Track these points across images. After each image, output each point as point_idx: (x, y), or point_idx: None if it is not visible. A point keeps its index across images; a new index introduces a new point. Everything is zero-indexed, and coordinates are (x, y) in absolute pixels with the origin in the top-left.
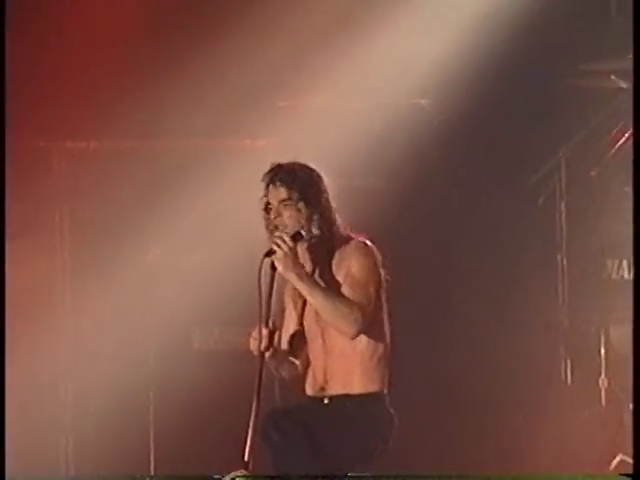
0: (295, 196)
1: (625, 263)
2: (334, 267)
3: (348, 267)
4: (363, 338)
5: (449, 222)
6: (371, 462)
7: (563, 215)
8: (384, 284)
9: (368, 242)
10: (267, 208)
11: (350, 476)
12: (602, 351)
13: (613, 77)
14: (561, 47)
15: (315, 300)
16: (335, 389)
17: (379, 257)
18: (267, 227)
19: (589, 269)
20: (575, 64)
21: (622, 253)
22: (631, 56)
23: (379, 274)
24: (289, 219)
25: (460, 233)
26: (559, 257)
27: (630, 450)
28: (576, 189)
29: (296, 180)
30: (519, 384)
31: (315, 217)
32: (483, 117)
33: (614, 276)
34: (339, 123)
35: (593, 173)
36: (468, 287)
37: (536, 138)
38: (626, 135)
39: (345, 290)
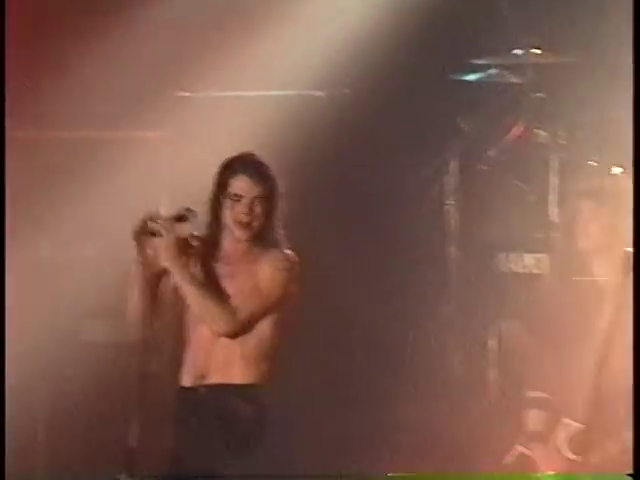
0: (272, 193)
1: (514, 256)
2: (246, 267)
3: (257, 272)
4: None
5: (340, 217)
6: (243, 456)
7: (454, 208)
8: (287, 298)
9: (289, 254)
10: (233, 198)
11: (348, 476)
12: (492, 344)
13: (504, 72)
14: (452, 42)
15: (187, 293)
16: (214, 378)
17: (294, 271)
18: (217, 216)
19: (480, 262)
20: (466, 59)
21: (512, 246)
22: (518, 51)
23: (283, 289)
24: (258, 216)
25: (352, 228)
26: (451, 250)
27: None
28: (467, 183)
29: (270, 176)
30: (410, 376)
31: (277, 216)
32: (375, 111)
33: (504, 269)
34: (238, 114)
35: (484, 167)
36: (360, 281)
37: (428, 132)
38: (515, 129)
39: (241, 293)
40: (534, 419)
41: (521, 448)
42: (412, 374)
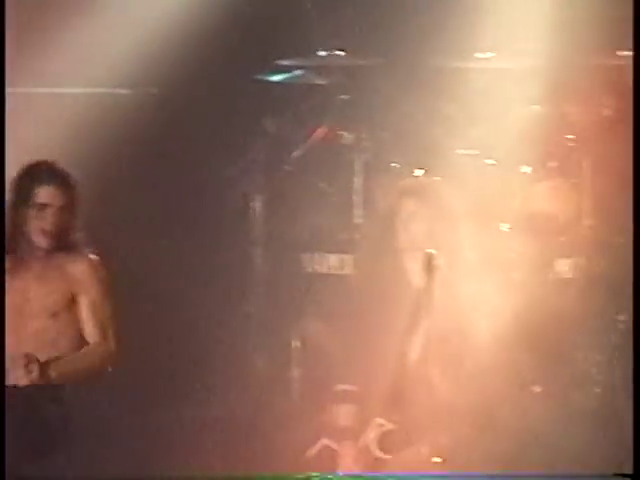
0: (75, 201)
1: (319, 257)
2: (50, 273)
3: (61, 278)
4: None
5: (147, 217)
6: (49, 457)
7: (259, 209)
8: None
9: (93, 258)
10: (38, 207)
11: (348, 476)
12: (296, 343)
13: (309, 73)
14: (257, 42)
15: None
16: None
17: (97, 275)
18: (17, 224)
19: (285, 262)
20: (271, 60)
21: (317, 247)
22: (323, 53)
23: (87, 293)
24: (63, 224)
25: (159, 228)
26: (255, 250)
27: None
28: (272, 183)
29: (73, 184)
30: (216, 375)
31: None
32: (181, 110)
33: (309, 270)
34: (41, 112)
35: (288, 168)
36: (166, 281)
37: (233, 132)
38: (319, 131)
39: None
40: (343, 414)
41: (326, 441)
42: (217, 373)
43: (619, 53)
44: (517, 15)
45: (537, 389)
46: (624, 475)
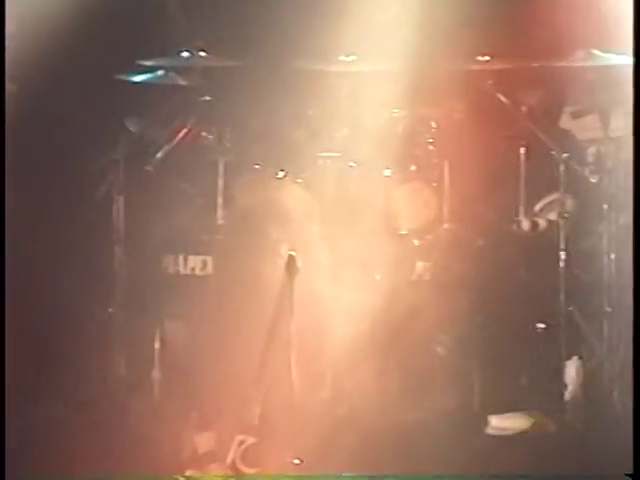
0: None
1: (181, 258)
2: None
3: None
4: None
5: (12, 215)
6: None
7: (121, 209)
8: None
9: None
10: None
11: (348, 476)
12: (156, 345)
13: (172, 74)
14: (119, 42)
15: None
16: None
17: None
18: None
19: (146, 264)
20: (133, 60)
21: (178, 249)
22: (186, 54)
23: None
24: None
25: (22, 228)
26: (117, 251)
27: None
28: (134, 184)
29: None
30: (70, 378)
31: None
32: (44, 108)
33: (170, 271)
34: None
35: (149, 168)
36: (30, 283)
37: (95, 132)
38: (182, 132)
39: None
40: (204, 441)
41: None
42: (73, 376)
43: (479, 58)
44: (380, 18)
45: (395, 387)
46: (624, 475)
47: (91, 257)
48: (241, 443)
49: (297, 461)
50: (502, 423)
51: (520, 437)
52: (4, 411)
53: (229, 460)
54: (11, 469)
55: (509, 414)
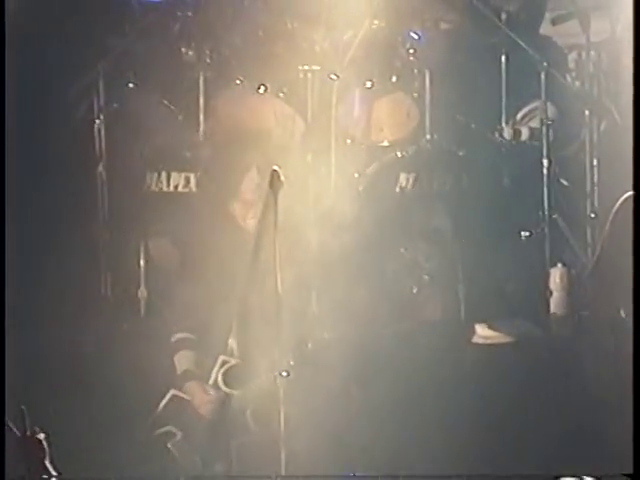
0: None
1: (164, 176)
2: None
3: None
4: None
5: None
6: None
7: (102, 128)
8: None
9: None
10: None
11: (349, 476)
12: (141, 263)
13: None
14: None
15: None
16: None
17: None
18: None
19: (129, 182)
20: None
21: (161, 166)
22: None
23: None
24: None
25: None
26: (99, 169)
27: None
28: (115, 102)
29: None
30: (61, 298)
31: None
32: (26, 30)
33: (153, 188)
34: None
35: (131, 85)
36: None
37: (76, 50)
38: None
39: None
40: (182, 360)
41: (173, 391)
42: (58, 295)
43: None
44: None
45: (380, 300)
46: (624, 475)
47: (73, 177)
48: (224, 363)
49: (285, 374)
50: (488, 332)
51: (506, 345)
52: (4, 410)
53: (211, 380)
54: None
55: (495, 322)
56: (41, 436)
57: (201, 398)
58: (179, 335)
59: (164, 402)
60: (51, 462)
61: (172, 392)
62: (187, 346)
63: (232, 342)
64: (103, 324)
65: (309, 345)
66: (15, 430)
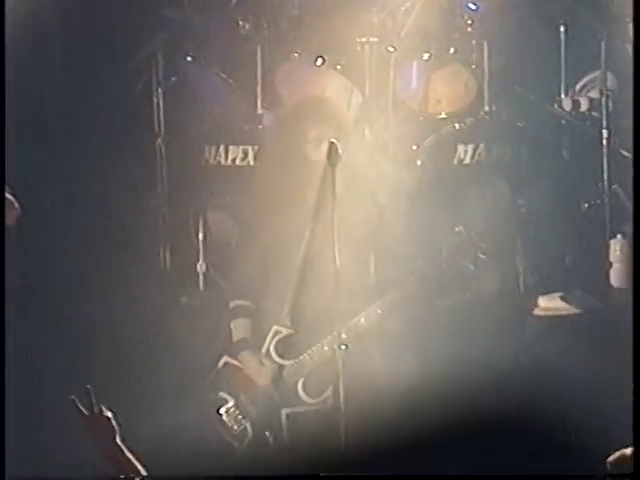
0: None
1: (222, 149)
2: None
3: None
4: None
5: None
6: None
7: (161, 100)
8: None
9: None
10: None
11: (348, 476)
12: (200, 236)
13: None
14: None
15: None
16: None
17: None
18: None
19: (188, 155)
20: None
21: (219, 140)
22: None
23: None
24: None
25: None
26: (158, 143)
27: None
28: (173, 75)
29: None
30: (120, 272)
31: None
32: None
33: (212, 162)
34: None
35: (189, 59)
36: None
37: (135, 23)
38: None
39: None
40: (239, 328)
41: (227, 358)
42: (120, 269)
43: None
44: None
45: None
46: (624, 475)
47: (133, 151)
48: (276, 332)
49: (344, 347)
50: (549, 303)
51: (567, 317)
52: (4, 411)
53: (264, 350)
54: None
55: (555, 294)
56: (109, 414)
57: (255, 367)
58: (237, 302)
59: (218, 367)
60: (122, 440)
61: (225, 359)
62: (244, 314)
63: (286, 313)
64: (162, 296)
65: (362, 320)
66: (82, 409)
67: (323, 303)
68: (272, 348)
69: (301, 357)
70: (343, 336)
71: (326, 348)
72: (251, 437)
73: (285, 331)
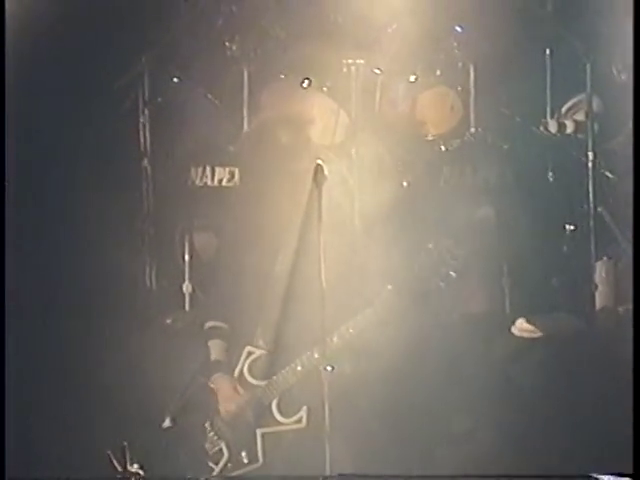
0: None
1: (208, 170)
2: None
3: None
4: None
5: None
6: None
7: (147, 121)
8: None
9: None
10: None
11: (348, 475)
12: (186, 257)
13: None
14: None
15: None
16: None
17: None
18: None
19: (174, 176)
20: None
21: (205, 160)
22: None
23: None
24: None
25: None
26: (144, 164)
27: None
28: (160, 96)
29: None
30: (107, 290)
31: None
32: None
33: (198, 183)
34: None
35: (175, 79)
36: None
37: (121, 43)
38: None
39: None
40: (214, 349)
41: (201, 379)
42: (107, 288)
43: None
44: None
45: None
46: (624, 475)
47: (118, 171)
48: (249, 354)
49: (329, 368)
50: (532, 325)
51: (550, 338)
52: (4, 410)
53: (237, 371)
54: None
55: (539, 316)
56: (140, 471)
57: (228, 389)
58: (212, 323)
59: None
60: None
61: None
62: (218, 335)
63: (259, 333)
64: (147, 319)
65: (334, 339)
66: (116, 464)
67: (297, 323)
68: (245, 369)
69: (274, 377)
70: (316, 356)
71: (299, 368)
72: (227, 457)
73: (258, 352)
